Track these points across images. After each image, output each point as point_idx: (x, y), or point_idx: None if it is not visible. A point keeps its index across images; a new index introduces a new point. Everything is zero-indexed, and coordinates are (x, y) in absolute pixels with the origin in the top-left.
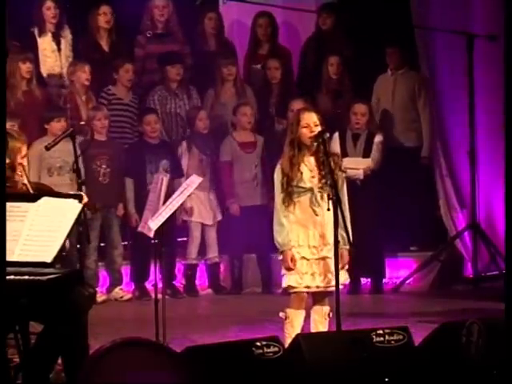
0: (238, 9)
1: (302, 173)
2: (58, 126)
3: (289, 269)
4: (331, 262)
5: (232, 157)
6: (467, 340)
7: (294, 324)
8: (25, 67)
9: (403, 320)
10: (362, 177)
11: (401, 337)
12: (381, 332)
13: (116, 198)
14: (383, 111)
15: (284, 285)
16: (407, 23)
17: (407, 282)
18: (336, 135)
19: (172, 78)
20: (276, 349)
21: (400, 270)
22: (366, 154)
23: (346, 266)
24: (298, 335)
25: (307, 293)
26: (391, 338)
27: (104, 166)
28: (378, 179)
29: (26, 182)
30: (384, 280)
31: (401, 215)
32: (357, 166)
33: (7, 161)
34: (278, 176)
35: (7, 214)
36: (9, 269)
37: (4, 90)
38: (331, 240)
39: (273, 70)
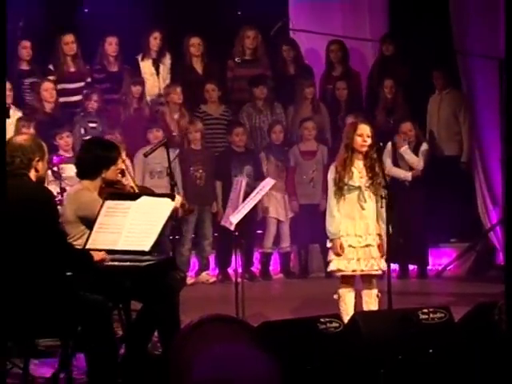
0: (306, 38)
1: (352, 173)
2: (158, 135)
3: (338, 254)
4: (373, 250)
5: (295, 163)
6: (499, 318)
7: (346, 301)
8: (135, 89)
9: (445, 300)
10: (410, 179)
11: (443, 315)
12: (426, 311)
13: (210, 197)
14: (431, 127)
15: (330, 269)
16: (445, 50)
17: (448, 268)
18: (389, 144)
19: (257, 96)
20: (337, 324)
21: (442, 259)
22: None
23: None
24: (355, 313)
25: (355, 276)
26: (435, 315)
27: (200, 171)
28: (424, 181)
29: (132, 184)
30: (428, 267)
31: (443, 212)
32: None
33: (117, 167)
34: (331, 173)
35: (113, 210)
36: (114, 256)
37: (4, 90)
38: (373, 230)
39: (341, 90)
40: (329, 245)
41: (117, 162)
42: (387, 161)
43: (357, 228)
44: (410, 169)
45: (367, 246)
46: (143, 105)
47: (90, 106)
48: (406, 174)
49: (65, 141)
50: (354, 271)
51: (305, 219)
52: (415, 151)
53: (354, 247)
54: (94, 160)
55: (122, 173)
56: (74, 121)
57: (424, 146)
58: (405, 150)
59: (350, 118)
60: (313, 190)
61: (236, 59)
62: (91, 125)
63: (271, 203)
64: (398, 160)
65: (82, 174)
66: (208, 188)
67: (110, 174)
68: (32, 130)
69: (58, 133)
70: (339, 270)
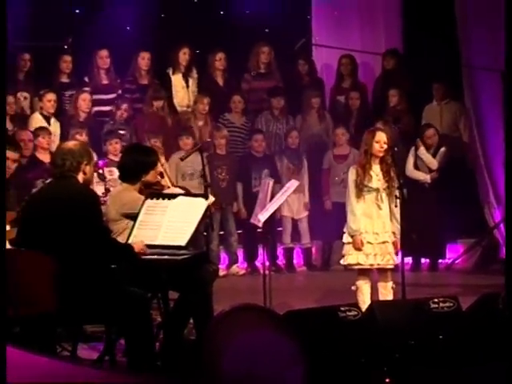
0: (326, 53)
1: (371, 176)
2: (188, 142)
3: (358, 249)
4: (389, 246)
5: (329, 165)
6: (503, 306)
7: (363, 292)
8: (156, 104)
9: (453, 291)
10: (429, 180)
11: (452, 304)
12: (436, 300)
13: (232, 197)
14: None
15: (349, 262)
16: (451, 63)
17: (456, 262)
18: (412, 149)
19: (275, 106)
20: (355, 312)
21: (451, 253)
22: None
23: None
24: (372, 302)
25: (371, 270)
26: (444, 305)
27: (223, 174)
28: (440, 182)
29: (169, 185)
30: (444, 260)
31: (452, 210)
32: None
33: (156, 171)
34: (352, 175)
35: (152, 208)
36: (153, 250)
37: (4, 91)
38: (389, 228)
39: (354, 99)
40: (345, 240)
41: (155, 167)
42: (409, 164)
43: (375, 226)
44: (430, 171)
45: (383, 242)
46: (165, 114)
47: (120, 115)
48: (425, 176)
49: (113, 147)
50: (371, 265)
51: (334, 216)
52: (434, 154)
53: (371, 243)
54: (134, 165)
55: (161, 175)
56: (105, 128)
57: (442, 149)
58: (421, 151)
59: (379, 124)
60: (343, 190)
61: (252, 73)
62: (121, 132)
63: (285, 203)
64: (418, 163)
65: (123, 177)
66: (230, 189)
67: (150, 177)
68: (84, 137)
69: (107, 139)
70: (358, 264)
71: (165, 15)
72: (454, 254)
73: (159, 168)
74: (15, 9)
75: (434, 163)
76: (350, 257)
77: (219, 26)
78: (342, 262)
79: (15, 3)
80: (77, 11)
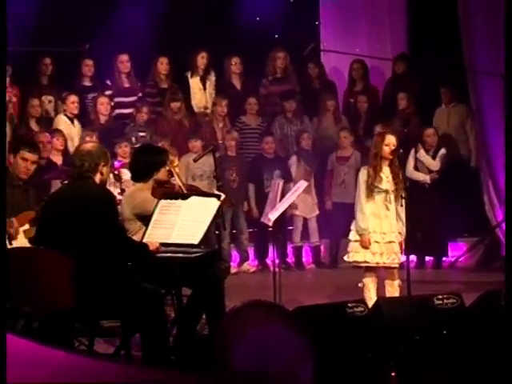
0: (334, 58)
1: (381, 178)
2: (196, 144)
3: (365, 248)
4: (395, 245)
5: (332, 167)
6: (505, 303)
7: (369, 288)
8: (173, 105)
9: (457, 288)
10: (429, 181)
11: (455, 300)
12: (440, 297)
13: (242, 197)
14: (442, 135)
15: (355, 259)
16: (457, 68)
17: (459, 260)
18: (413, 151)
19: (287, 109)
20: (362, 308)
21: (454, 251)
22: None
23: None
24: (378, 299)
25: (377, 267)
26: (448, 301)
27: (234, 175)
28: (440, 183)
29: (180, 184)
30: (447, 258)
31: (455, 209)
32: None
33: (167, 168)
34: (362, 176)
35: (166, 208)
36: (167, 248)
37: (4, 92)
38: (395, 228)
39: (362, 103)
40: (352, 237)
41: (165, 165)
42: (409, 166)
43: (382, 226)
44: (429, 172)
45: (390, 242)
46: (182, 117)
47: (141, 118)
48: (424, 177)
49: (123, 150)
50: (377, 263)
51: (337, 216)
52: (435, 155)
53: (378, 243)
54: (144, 164)
55: (171, 173)
56: (126, 131)
57: (442, 151)
58: (421, 153)
59: (378, 127)
60: (344, 191)
61: (269, 78)
62: (141, 134)
63: (298, 202)
64: (417, 165)
65: (135, 178)
66: (241, 189)
67: (161, 175)
68: (95, 139)
69: (117, 142)
70: (365, 262)
71: (176, 21)
72: (458, 252)
73: (169, 167)
74: (27, 11)
75: (433, 165)
76: (357, 255)
77: (230, 32)
78: (345, 258)
79: (27, 6)
80: (94, 17)
